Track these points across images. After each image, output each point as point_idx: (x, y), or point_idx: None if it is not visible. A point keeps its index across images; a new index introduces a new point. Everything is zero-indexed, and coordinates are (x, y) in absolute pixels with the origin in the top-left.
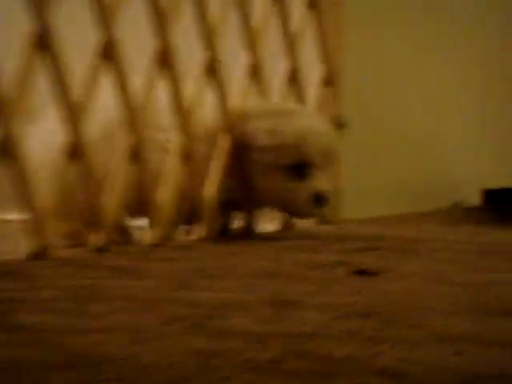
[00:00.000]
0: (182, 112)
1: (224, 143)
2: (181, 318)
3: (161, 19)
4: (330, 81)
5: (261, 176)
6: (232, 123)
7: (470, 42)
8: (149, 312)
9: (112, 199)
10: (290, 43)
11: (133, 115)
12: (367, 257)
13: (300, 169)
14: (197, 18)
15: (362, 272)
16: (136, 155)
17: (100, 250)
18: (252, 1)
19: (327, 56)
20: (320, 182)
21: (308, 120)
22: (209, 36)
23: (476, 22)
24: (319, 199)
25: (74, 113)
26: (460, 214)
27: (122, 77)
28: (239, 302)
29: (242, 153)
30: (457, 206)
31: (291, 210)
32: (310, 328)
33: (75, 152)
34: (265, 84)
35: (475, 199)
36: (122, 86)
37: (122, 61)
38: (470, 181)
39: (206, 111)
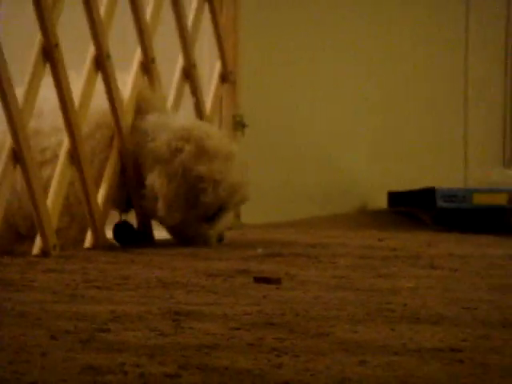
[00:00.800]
0: (70, 112)
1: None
2: (68, 333)
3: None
4: (226, 77)
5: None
6: None
7: (374, 42)
8: (33, 327)
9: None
10: (186, 38)
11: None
12: (269, 264)
13: (215, 212)
14: (87, 14)
15: (263, 280)
16: (19, 159)
17: None
18: None
19: (223, 52)
20: (225, 224)
21: (233, 167)
22: (97, 31)
23: (378, 23)
24: (221, 238)
25: None
26: (365, 217)
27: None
28: (132, 314)
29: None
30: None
31: (196, 244)
32: (210, 340)
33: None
34: (159, 80)
35: (381, 202)
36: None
37: None
38: (376, 183)
39: (96, 108)
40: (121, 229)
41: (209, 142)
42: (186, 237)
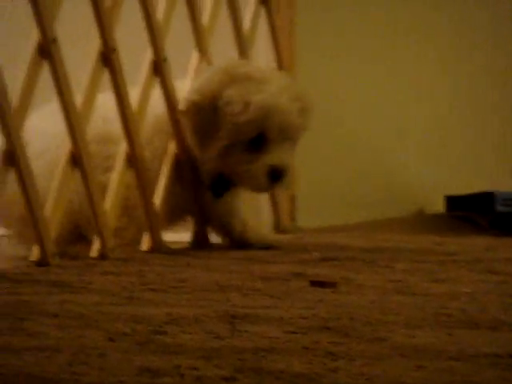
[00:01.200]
0: (128, 118)
1: (172, 146)
2: (126, 335)
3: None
4: None
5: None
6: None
7: (433, 40)
8: (91, 329)
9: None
10: (242, 41)
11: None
12: (325, 268)
13: (257, 142)
14: (144, 17)
15: (319, 284)
16: (78, 163)
17: (40, 263)
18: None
19: (279, 54)
20: (277, 156)
21: (271, 90)
22: (155, 35)
23: (436, 21)
24: (275, 174)
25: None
26: (422, 221)
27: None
28: (189, 316)
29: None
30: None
31: (246, 183)
32: (266, 343)
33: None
34: None
35: (438, 206)
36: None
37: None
38: (433, 187)
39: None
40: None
41: (240, 69)
42: (233, 178)
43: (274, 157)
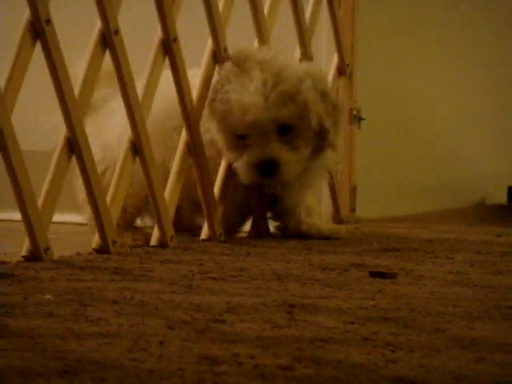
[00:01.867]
0: (188, 105)
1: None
2: (185, 323)
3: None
4: (343, 71)
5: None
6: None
7: (487, 42)
8: (151, 316)
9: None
10: (303, 31)
11: (134, 111)
12: (384, 258)
13: (244, 138)
14: (206, 8)
15: (378, 274)
16: (139, 151)
17: (100, 251)
18: None
19: (340, 45)
20: (261, 150)
21: (250, 87)
22: (216, 27)
23: (492, 24)
24: (264, 167)
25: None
26: (484, 212)
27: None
28: (247, 305)
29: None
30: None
31: (240, 177)
32: (324, 333)
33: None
34: None
35: (501, 197)
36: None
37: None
38: (495, 178)
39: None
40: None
41: (251, 61)
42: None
43: (257, 151)
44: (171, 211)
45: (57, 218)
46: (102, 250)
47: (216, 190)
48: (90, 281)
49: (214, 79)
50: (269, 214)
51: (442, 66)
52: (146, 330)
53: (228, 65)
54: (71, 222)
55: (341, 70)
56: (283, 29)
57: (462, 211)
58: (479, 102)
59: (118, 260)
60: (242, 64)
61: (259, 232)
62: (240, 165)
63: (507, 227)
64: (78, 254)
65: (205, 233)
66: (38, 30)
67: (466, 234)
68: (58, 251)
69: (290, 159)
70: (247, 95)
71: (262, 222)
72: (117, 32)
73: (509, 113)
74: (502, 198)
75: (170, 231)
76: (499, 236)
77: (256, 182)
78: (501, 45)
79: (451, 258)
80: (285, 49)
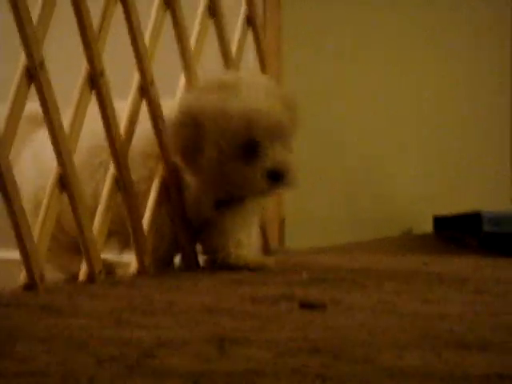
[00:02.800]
0: (115, 140)
1: (161, 167)
2: (115, 359)
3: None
4: None
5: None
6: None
7: (422, 65)
8: (80, 353)
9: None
10: (231, 64)
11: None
12: (314, 289)
13: (248, 148)
14: (132, 42)
15: (308, 305)
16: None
17: (28, 287)
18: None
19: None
20: (272, 157)
21: (249, 95)
22: (142, 58)
23: (432, 48)
24: (275, 175)
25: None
26: (410, 241)
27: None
28: (177, 339)
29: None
30: (407, 233)
31: (248, 191)
32: (255, 366)
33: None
34: None
35: (427, 226)
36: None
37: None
38: (421, 207)
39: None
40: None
41: (214, 80)
42: (234, 190)
43: (268, 158)
44: (99, 246)
45: None
46: (30, 286)
47: (145, 223)
48: (16, 318)
49: (183, 104)
50: (198, 247)
51: (373, 88)
52: (75, 367)
53: (195, 89)
54: None
55: None
56: (211, 58)
57: (388, 240)
58: (406, 134)
59: (45, 296)
60: (220, 83)
61: (188, 265)
62: (250, 176)
63: (433, 256)
64: (3, 290)
65: (133, 266)
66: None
67: (393, 263)
68: None
69: (293, 163)
70: (258, 102)
71: (191, 255)
72: (42, 65)
73: (434, 143)
74: (428, 228)
75: (99, 266)
76: (425, 265)
77: (268, 190)
78: (438, 64)
79: (379, 288)
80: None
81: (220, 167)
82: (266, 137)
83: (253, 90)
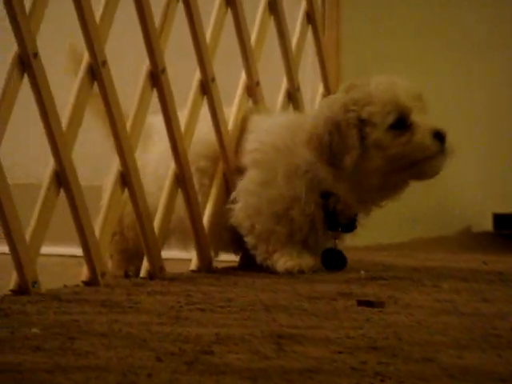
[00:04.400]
0: (176, 137)
1: (220, 168)
2: (173, 355)
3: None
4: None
5: (374, 143)
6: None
7: (477, 60)
8: (139, 349)
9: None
10: (290, 61)
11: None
12: (371, 287)
13: (399, 125)
14: (193, 39)
15: (366, 303)
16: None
17: (89, 283)
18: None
19: (326, 75)
20: (430, 121)
21: (389, 79)
22: (204, 57)
23: (485, 43)
24: (440, 135)
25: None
26: (469, 240)
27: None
28: (235, 336)
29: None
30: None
31: (415, 156)
32: (312, 364)
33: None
34: (263, 103)
35: (486, 224)
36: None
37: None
38: (481, 205)
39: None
40: (329, 255)
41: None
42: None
43: (427, 122)
44: (160, 242)
45: (45, 250)
46: (91, 282)
47: (204, 220)
48: (77, 314)
49: (336, 103)
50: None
51: (432, 84)
52: (135, 363)
53: (335, 99)
54: (59, 254)
55: None
56: (269, 59)
57: (447, 239)
58: (466, 129)
59: (105, 292)
60: (351, 84)
61: (247, 262)
62: (416, 141)
63: (493, 255)
64: (65, 286)
65: (193, 263)
66: (26, 63)
67: (452, 261)
68: (46, 284)
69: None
70: (398, 81)
71: (249, 253)
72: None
73: (495, 140)
74: (488, 226)
75: (159, 262)
76: (485, 263)
77: (438, 151)
78: (481, 62)
79: (438, 287)
80: (271, 80)
81: (382, 151)
82: (414, 107)
83: (386, 78)
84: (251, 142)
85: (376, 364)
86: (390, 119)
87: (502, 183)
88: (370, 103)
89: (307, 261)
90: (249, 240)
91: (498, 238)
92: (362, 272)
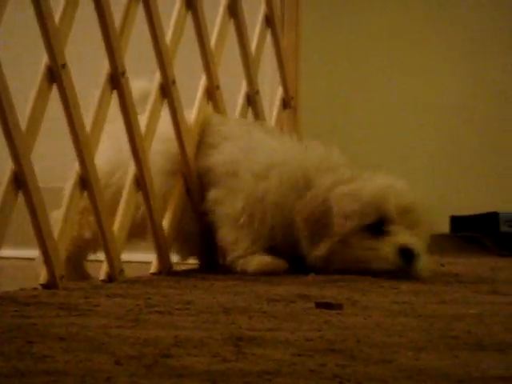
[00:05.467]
0: (136, 139)
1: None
2: (132, 358)
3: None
4: (288, 103)
5: (342, 239)
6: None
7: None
8: (98, 352)
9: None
10: (249, 64)
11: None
12: (330, 289)
13: (377, 227)
14: (153, 41)
15: (324, 305)
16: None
17: (47, 286)
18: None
19: (285, 78)
20: (404, 237)
21: (385, 179)
22: (164, 59)
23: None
24: (407, 253)
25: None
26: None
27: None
28: (195, 339)
29: (319, 217)
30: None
31: (376, 266)
32: (271, 366)
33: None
34: (223, 106)
35: (443, 226)
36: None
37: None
38: (438, 207)
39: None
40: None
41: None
42: (356, 265)
43: (400, 237)
44: (120, 244)
45: (3, 253)
46: (50, 285)
47: (165, 223)
48: (35, 317)
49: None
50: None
51: (388, 93)
52: (93, 367)
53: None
54: (16, 257)
55: (285, 103)
56: (229, 62)
57: None
58: (423, 132)
59: (64, 295)
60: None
61: (207, 264)
62: (380, 251)
63: (450, 257)
64: (23, 289)
65: (154, 266)
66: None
67: None
68: (4, 287)
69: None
70: (390, 182)
71: (210, 255)
72: (64, 66)
73: (452, 142)
74: (445, 228)
75: (119, 265)
76: (442, 265)
77: (399, 267)
78: (443, 67)
79: (396, 288)
80: (230, 82)
81: (346, 242)
82: (399, 217)
83: (382, 176)
84: (230, 155)
85: (334, 366)
86: (367, 220)
87: (459, 186)
88: (355, 200)
89: (280, 262)
90: (229, 234)
91: (455, 240)
92: (312, 273)
